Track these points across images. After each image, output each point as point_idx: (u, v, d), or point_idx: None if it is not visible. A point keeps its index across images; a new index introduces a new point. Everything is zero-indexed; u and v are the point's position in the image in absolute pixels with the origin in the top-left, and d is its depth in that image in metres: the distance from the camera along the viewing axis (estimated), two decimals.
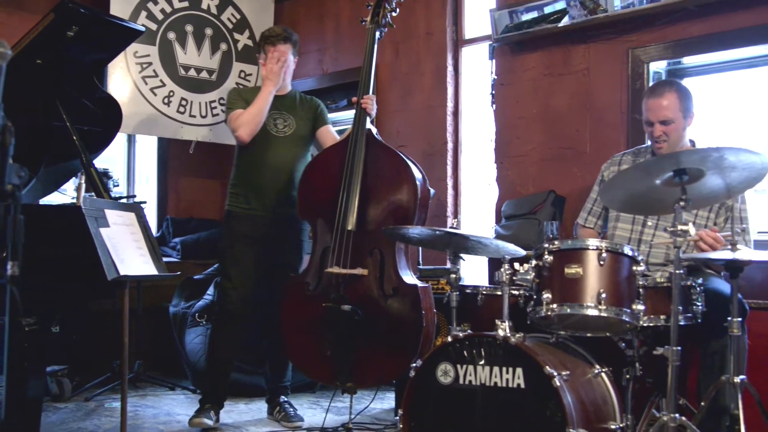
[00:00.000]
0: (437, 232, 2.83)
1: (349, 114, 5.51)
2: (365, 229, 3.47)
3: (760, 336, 3.18)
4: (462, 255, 2.99)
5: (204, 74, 5.38)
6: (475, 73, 4.84)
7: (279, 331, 3.66)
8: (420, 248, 4.22)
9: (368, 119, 3.62)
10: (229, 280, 3.79)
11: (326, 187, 3.57)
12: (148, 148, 5.95)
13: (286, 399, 3.96)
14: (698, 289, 2.66)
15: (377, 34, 3.76)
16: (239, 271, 3.78)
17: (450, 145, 4.81)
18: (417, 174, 3.49)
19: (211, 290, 4.90)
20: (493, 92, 4.55)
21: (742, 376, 2.51)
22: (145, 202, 4.50)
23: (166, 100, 5.17)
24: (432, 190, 4.15)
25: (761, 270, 3.20)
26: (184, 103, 5.25)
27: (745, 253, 2.51)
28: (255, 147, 3.78)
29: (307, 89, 5.60)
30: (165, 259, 3.41)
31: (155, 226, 5.76)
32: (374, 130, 3.65)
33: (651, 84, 3.88)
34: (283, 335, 3.63)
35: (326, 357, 3.39)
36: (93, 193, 3.58)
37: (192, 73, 5.30)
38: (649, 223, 3.17)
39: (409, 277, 3.45)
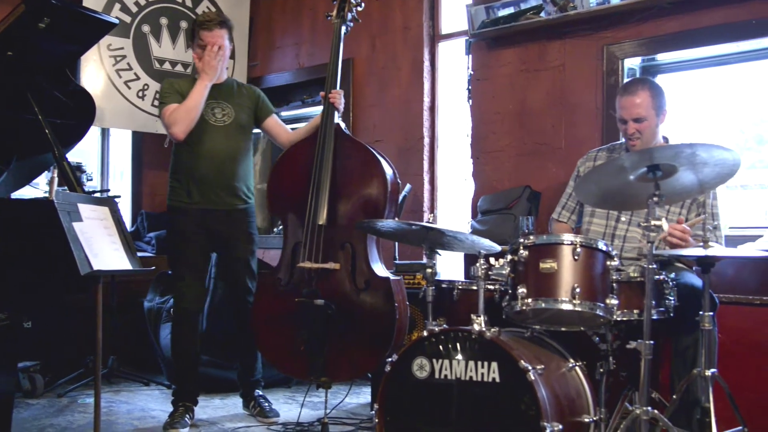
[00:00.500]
0: (413, 227, 2.83)
1: None
2: (336, 224, 3.49)
3: (730, 330, 3.22)
4: (438, 250, 2.99)
5: (179, 67, 5.33)
6: (452, 69, 4.86)
7: (248, 325, 3.67)
8: (396, 243, 4.23)
9: (336, 114, 3.62)
10: (182, 279, 3.71)
11: (296, 182, 3.57)
12: (122, 142, 5.90)
13: (260, 393, 3.95)
14: (671, 283, 2.69)
15: (343, 29, 3.76)
16: (191, 269, 3.71)
17: (426, 140, 4.81)
18: (386, 167, 3.51)
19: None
20: (470, 87, 4.56)
21: (713, 370, 2.54)
22: (119, 197, 4.47)
23: (140, 94, 5.12)
24: (408, 185, 4.17)
25: (732, 265, 3.24)
26: (158, 96, 5.19)
27: (716, 249, 2.54)
28: (193, 138, 3.65)
29: (283, 83, 5.60)
30: (139, 254, 3.38)
31: (129, 221, 5.72)
32: (342, 125, 3.66)
33: (625, 81, 3.92)
34: (256, 331, 3.63)
35: (300, 352, 3.40)
36: (66, 187, 3.55)
37: (167, 66, 5.25)
38: (623, 219, 3.20)
39: (382, 270, 3.47)
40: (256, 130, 3.99)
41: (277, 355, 3.60)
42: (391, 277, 3.44)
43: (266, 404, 3.87)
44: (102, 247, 2.93)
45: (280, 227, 3.90)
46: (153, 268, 3.88)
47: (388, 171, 3.52)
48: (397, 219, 3.88)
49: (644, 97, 3.07)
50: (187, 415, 3.66)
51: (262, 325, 3.61)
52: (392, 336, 3.31)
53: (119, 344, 4.73)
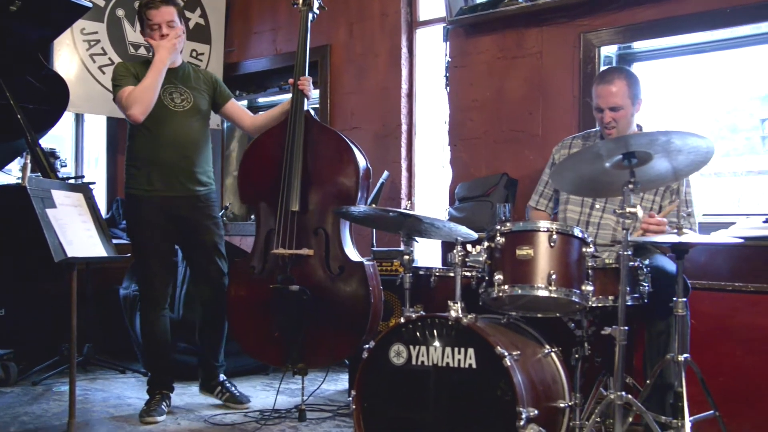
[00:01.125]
0: (391, 214, 2.83)
1: None
2: (309, 210, 3.50)
3: (703, 315, 3.27)
4: (415, 237, 3.00)
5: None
6: (430, 55, 4.85)
7: (213, 313, 3.69)
8: (373, 230, 4.23)
9: (306, 100, 3.61)
10: (148, 267, 3.68)
11: (266, 170, 3.57)
12: (97, 128, 5.83)
13: (225, 378, 3.90)
14: (645, 270, 2.72)
15: (309, 16, 3.75)
16: (157, 259, 3.68)
17: (404, 127, 4.81)
18: (357, 153, 3.53)
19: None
20: (447, 74, 4.56)
21: (685, 355, 2.57)
22: (93, 183, 4.42)
23: None
24: (386, 172, 4.17)
25: (705, 252, 3.28)
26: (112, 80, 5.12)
27: (690, 236, 2.57)
28: (152, 123, 3.57)
29: (260, 69, 5.56)
30: (115, 241, 3.35)
31: (105, 208, 5.66)
32: (312, 112, 3.66)
33: (601, 69, 3.94)
34: (231, 320, 3.62)
35: (275, 339, 3.40)
36: (39, 174, 3.49)
37: (142, 51, 5.18)
38: (597, 206, 3.23)
39: (355, 255, 3.49)
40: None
41: (252, 342, 3.59)
42: (365, 261, 3.46)
43: (235, 390, 3.85)
44: (76, 234, 2.90)
45: None
46: (128, 255, 3.85)
47: (359, 157, 3.53)
48: (374, 206, 3.89)
49: (620, 86, 3.09)
50: (164, 403, 3.65)
51: (237, 312, 3.60)
52: (367, 320, 3.34)
53: (95, 332, 4.69)
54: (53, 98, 3.69)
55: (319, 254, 3.46)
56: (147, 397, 3.69)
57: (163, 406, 3.62)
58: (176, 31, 3.59)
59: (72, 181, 4.62)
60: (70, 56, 4.89)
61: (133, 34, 5.14)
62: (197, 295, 3.93)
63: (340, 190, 3.50)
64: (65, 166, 4.89)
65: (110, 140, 5.79)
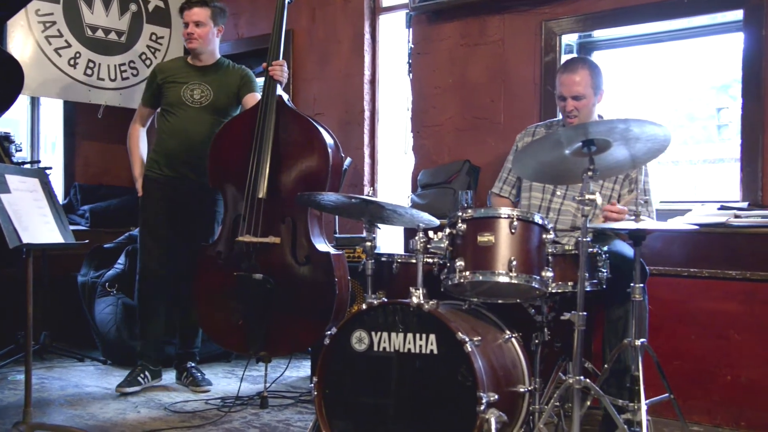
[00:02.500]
0: (353, 200, 2.82)
1: None
2: (277, 197, 3.46)
3: (660, 301, 3.33)
4: (378, 224, 3.00)
5: (113, 35, 5.16)
6: (393, 42, 4.84)
7: (189, 298, 3.68)
8: (336, 217, 4.22)
9: (278, 86, 3.58)
10: (146, 246, 3.85)
11: (236, 155, 3.53)
12: (53, 112, 5.70)
13: (193, 365, 3.96)
14: (604, 256, 2.76)
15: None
16: (155, 238, 3.83)
17: (367, 114, 4.80)
18: (329, 140, 3.49)
19: (122, 259, 4.78)
20: (410, 61, 4.56)
21: (642, 339, 2.62)
22: (50, 168, 4.34)
23: (72, 62, 4.94)
24: (348, 159, 4.15)
25: (662, 238, 3.34)
26: (91, 65, 5.03)
27: (647, 223, 2.61)
28: (169, 114, 3.86)
29: (222, 54, 5.46)
30: (73, 228, 3.30)
31: (62, 194, 5.56)
32: (285, 97, 3.62)
33: (563, 56, 3.98)
34: (196, 306, 3.60)
35: (239, 326, 3.38)
36: None
37: (100, 34, 5.07)
38: (558, 193, 3.26)
39: (322, 245, 3.46)
40: None
41: (216, 329, 3.57)
42: (332, 251, 3.43)
43: (198, 374, 3.90)
44: (32, 220, 2.84)
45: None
46: (86, 241, 3.78)
47: (331, 144, 3.50)
48: (337, 192, 3.88)
49: (584, 75, 3.13)
50: (143, 374, 3.76)
51: (202, 299, 3.58)
52: (332, 311, 3.32)
53: (52, 319, 4.61)
54: (7, 81, 3.61)
55: (285, 243, 3.43)
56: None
57: (140, 378, 3.74)
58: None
59: (27, 166, 4.52)
60: (24, 38, 4.76)
61: (90, 15, 5.03)
62: (179, 281, 3.90)
63: (310, 178, 3.46)
64: (20, 150, 4.75)
65: (67, 124, 5.66)
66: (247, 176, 3.46)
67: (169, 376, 4.10)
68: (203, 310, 3.58)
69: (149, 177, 3.88)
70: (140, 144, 3.98)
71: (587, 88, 3.13)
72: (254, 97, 3.89)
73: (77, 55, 4.96)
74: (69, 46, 4.92)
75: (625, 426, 2.41)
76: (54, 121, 5.72)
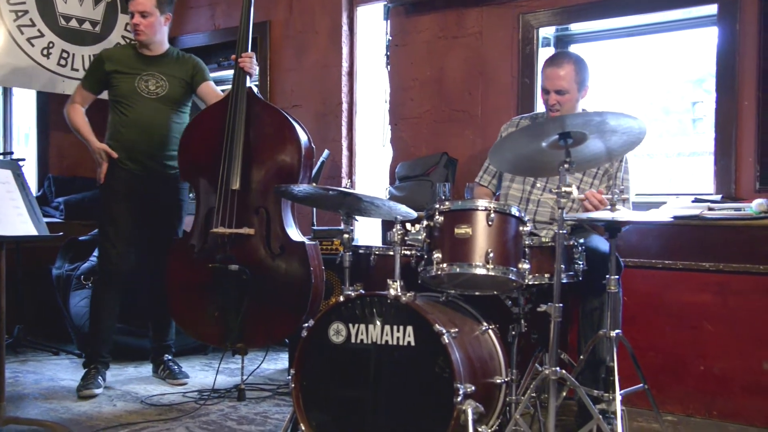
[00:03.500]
0: (330, 192, 2.82)
1: None
2: (250, 189, 3.47)
3: (634, 293, 3.37)
4: (355, 216, 3.00)
5: (87, 25, 5.10)
6: (370, 34, 4.82)
7: (162, 291, 3.63)
8: (314, 209, 4.21)
9: (248, 78, 3.57)
10: (107, 239, 3.76)
11: (208, 147, 3.52)
12: (26, 103, 5.62)
13: (170, 357, 3.95)
14: (580, 248, 2.78)
15: None
16: (116, 229, 3.73)
17: (345, 106, 4.79)
18: (300, 132, 3.49)
19: (97, 252, 4.73)
20: (388, 53, 4.55)
21: (617, 331, 2.64)
22: (23, 160, 4.29)
23: (45, 52, 4.87)
24: (326, 151, 4.15)
25: (637, 231, 3.37)
26: (65, 55, 4.97)
27: (623, 213, 2.63)
28: (124, 106, 3.77)
29: (198, 45, 5.44)
30: (46, 220, 3.26)
31: (35, 186, 5.49)
32: (255, 89, 3.61)
33: (540, 49, 4.00)
34: (170, 299, 3.57)
35: (215, 319, 3.38)
36: None
37: (73, 23, 5.01)
38: (538, 185, 3.28)
39: (297, 235, 3.47)
40: None
41: (191, 322, 3.55)
42: (307, 241, 3.43)
43: (175, 367, 3.90)
44: (4, 212, 2.81)
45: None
46: (61, 233, 3.75)
47: (302, 136, 3.49)
48: (314, 184, 3.87)
49: (568, 70, 3.12)
50: (100, 377, 3.66)
51: (176, 292, 3.56)
52: (308, 301, 3.32)
53: (26, 313, 4.57)
54: None
55: (260, 233, 3.43)
56: (79, 378, 3.65)
57: (99, 380, 3.63)
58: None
59: (0, 157, 4.46)
60: None
61: (63, 5, 4.97)
62: (148, 273, 3.88)
63: (282, 169, 3.47)
64: None
65: (40, 115, 5.59)
66: (220, 169, 3.45)
67: (146, 369, 4.08)
68: (178, 304, 3.56)
69: (110, 172, 3.74)
70: (84, 117, 3.82)
71: (571, 83, 3.13)
72: (209, 86, 3.89)
73: (50, 44, 4.90)
74: (42, 35, 4.86)
75: (600, 416, 2.44)
76: (27, 112, 5.64)
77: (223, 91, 3.93)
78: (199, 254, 3.49)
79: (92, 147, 3.75)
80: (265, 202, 3.45)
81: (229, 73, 5.18)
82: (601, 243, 3.00)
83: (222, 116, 3.50)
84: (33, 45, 4.82)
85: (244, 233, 3.39)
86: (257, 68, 3.69)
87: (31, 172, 5.49)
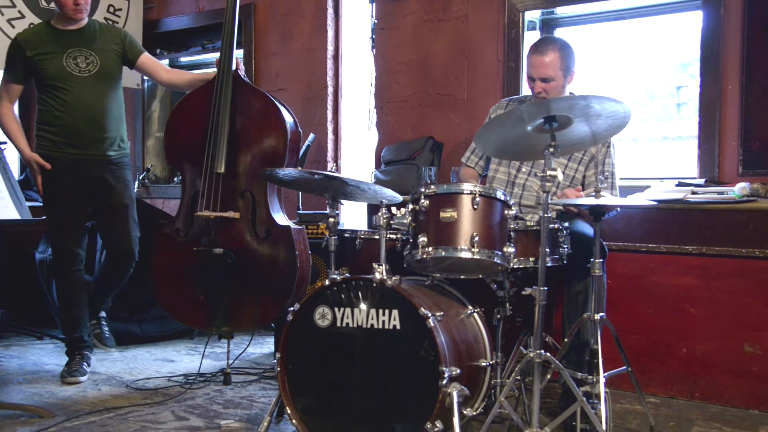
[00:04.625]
0: (316, 176, 2.81)
1: None
2: (235, 172, 3.45)
3: (619, 276, 3.40)
4: (341, 200, 2.99)
5: None
6: (356, 17, 4.80)
7: (117, 273, 3.73)
8: (299, 193, 4.20)
9: (233, 60, 3.54)
10: (59, 227, 3.65)
11: (193, 131, 3.50)
12: None
13: (104, 315, 3.93)
14: (565, 232, 2.79)
15: None
16: (67, 218, 3.63)
17: (330, 89, 4.77)
18: (286, 115, 3.47)
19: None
20: (374, 37, 4.53)
21: (601, 314, 2.66)
22: (5, 143, 4.23)
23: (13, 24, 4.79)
24: (312, 135, 4.13)
25: (621, 215, 3.39)
26: None
27: (607, 198, 2.64)
28: (57, 89, 3.54)
29: (182, 27, 5.39)
30: (29, 204, 3.24)
31: (18, 169, 5.43)
32: (241, 72, 3.58)
33: (526, 33, 3.99)
34: (155, 284, 3.55)
35: (200, 302, 3.37)
36: None
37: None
38: (524, 169, 3.28)
39: (283, 219, 3.46)
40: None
41: (177, 306, 3.54)
42: (292, 225, 3.43)
43: (105, 331, 3.89)
44: None
45: (180, 177, 3.81)
46: (44, 217, 3.72)
47: (289, 119, 3.47)
48: (300, 168, 3.85)
49: (553, 57, 3.09)
50: (85, 363, 3.63)
51: (161, 276, 3.54)
52: (293, 285, 3.32)
53: (9, 297, 4.54)
54: None
55: (245, 217, 3.41)
56: (64, 363, 3.63)
57: (84, 366, 3.60)
58: None
59: None
60: None
61: None
62: (107, 257, 3.86)
63: (268, 153, 3.45)
64: None
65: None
66: (205, 152, 3.43)
67: (131, 354, 4.08)
68: (163, 288, 3.54)
69: (46, 156, 3.56)
70: (16, 120, 3.66)
71: (556, 71, 3.10)
72: (148, 56, 3.78)
73: (31, 26, 4.82)
74: (23, 17, 4.79)
75: (584, 398, 2.46)
76: None
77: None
78: (185, 238, 3.47)
79: (24, 156, 3.59)
80: (251, 186, 3.43)
81: (214, 55, 5.16)
82: (586, 228, 3.01)
83: (208, 99, 3.47)
84: (13, 26, 4.75)
85: (229, 217, 3.38)
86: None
87: (13, 155, 5.43)
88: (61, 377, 3.56)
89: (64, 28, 3.58)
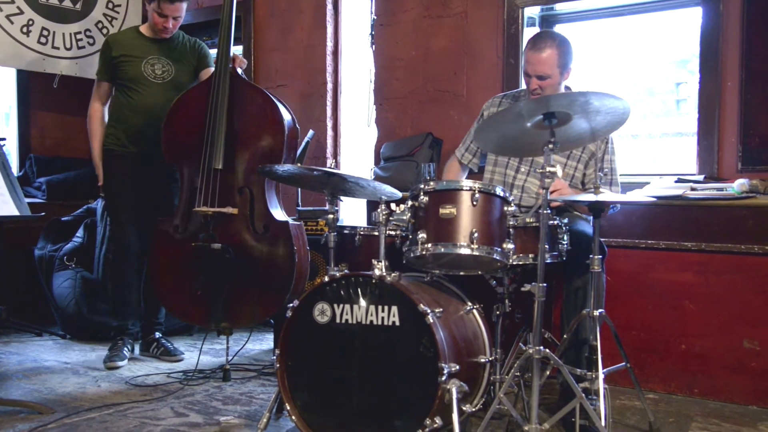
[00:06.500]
0: (315, 173, 2.81)
1: None
2: (233, 168, 3.46)
3: (618, 272, 3.40)
4: (340, 196, 2.99)
5: (67, 3, 5.01)
6: (356, 13, 4.79)
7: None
8: (299, 189, 4.20)
9: (231, 57, 3.56)
10: (118, 219, 3.84)
11: (191, 128, 3.52)
12: (6, 81, 5.55)
13: (161, 335, 3.96)
14: (564, 228, 2.79)
15: None
16: (128, 215, 3.81)
17: (330, 86, 4.76)
18: (284, 112, 3.49)
19: (80, 232, 4.71)
20: (373, 33, 4.52)
21: (600, 310, 2.66)
22: (4, 139, 4.22)
23: (24, 30, 4.80)
24: (311, 131, 4.13)
25: (621, 211, 3.38)
26: (45, 33, 4.89)
27: (606, 195, 2.64)
28: (131, 90, 3.81)
29: (182, 24, 5.36)
30: (28, 200, 3.24)
31: (17, 165, 5.43)
32: (241, 68, 3.60)
33: (525, 29, 3.98)
34: (154, 280, 3.57)
35: (199, 299, 3.38)
36: None
37: (54, 1, 4.93)
38: (522, 169, 3.27)
39: (281, 215, 3.48)
40: None
41: (176, 302, 3.55)
42: (291, 221, 3.44)
43: (170, 345, 3.94)
44: None
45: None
46: (43, 214, 3.73)
47: (286, 116, 3.49)
48: (299, 164, 3.85)
49: (551, 55, 3.06)
50: (125, 348, 3.78)
51: (161, 272, 3.56)
52: (292, 280, 3.34)
53: (9, 294, 4.53)
54: None
55: (243, 213, 3.42)
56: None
57: (125, 351, 3.77)
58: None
59: None
60: None
61: None
62: (143, 254, 3.86)
63: (265, 149, 3.46)
64: None
65: (21, 95, 5.52)
66: (203, 149, 3.44)
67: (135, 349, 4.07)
68: (162, 284, 3.56)
69: (113, 152, 3.83)
70: (102, 125, 3.90)
71: (553, 68, 3.08)
72: (209, 72, 3.86)
73: (30, 22, 4.82)
74: (21, 12, 4.78)
75: (583, 394, 2.46)
76: (7, 91, 5.57)
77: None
78: (183, 234, 3.49)
79: (94, 161, 3.89)
80: (249, 182, 3.44)
81: (213, 51, 5.15)
82: (586, 227, 3.01)
83: (205, 96, 3.49)
84: (12, 22, 4.74)
85: (227, 212, 3.39)
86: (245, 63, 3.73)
87: (12, 151, 5.44)
88: (103, 362, 3.74)
89: (149, 36, 3.88)
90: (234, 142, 3.46)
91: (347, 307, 2.53)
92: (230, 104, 3.46)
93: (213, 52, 3.87)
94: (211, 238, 3.36)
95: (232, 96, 3.47)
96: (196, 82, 3.89)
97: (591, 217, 2.70)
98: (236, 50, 5.13)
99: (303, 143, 4.00)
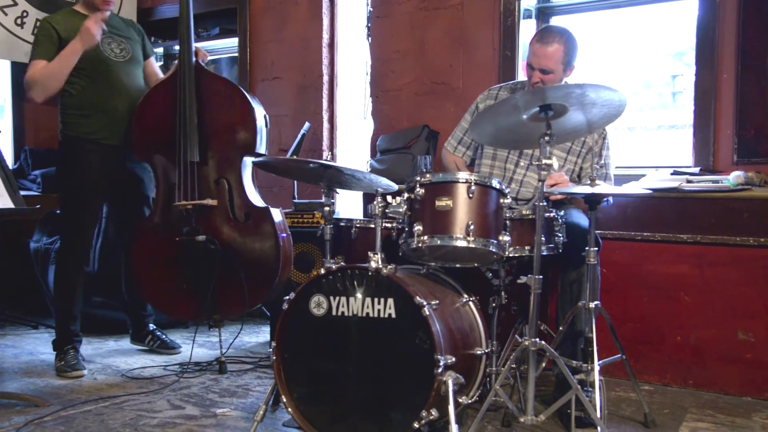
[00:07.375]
0: (311, 165, 2.80)
1: (223, 43, 5.33)
2: (208, 160, 3.49)
3: (613, 264, 3.40)
4: (336, 189, 2.99)
5: None
6: (351, 5, 4.78)
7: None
8: (295, 182, 4.19)
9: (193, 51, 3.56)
10: (76, 216, 3.58)
11: (161, 124, 3.51)
12: (0, 74, 5.52)
13: (154, 327, 3.95)
14: (560, 221, 2.79)
15: None
16: (88, 210, 3.60)
17: (326, 78, 4.75)
18: (250, 99, 3.52)
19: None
20: (369, 25, 4.51)
21: (596, 302, 2.67)
22: None
23: (18, 21, 4.77)
24: (307, 124, 4.13)
25: (616, 203, 3.39)
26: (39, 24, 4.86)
27: (602, 187, 2.65)
28: (95, 73, 3.51)
29: (174, 16, 5.33)
30: (23, 193, 3.23)
31: (12, 158, 5.42)
32: (202, 62, 3.61)
33: (521, 21, 3.98)
34: (140, 280, 3.55)
35: (186, 293, 3.38)
36: None
37: None
38: (522, 163, 3.27)
39: (259, 201, 3.52)
40: None
41: (162, 299, 3.56)
42: (270, 207, 3.48)
43: (165, 337, 3.91)
44: None
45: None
46: (38, 207, 3.70)
47: (253, 103, 3.53)
48: (295, 157, 3.85)
49: (557, 50, 3.05)
50: (80, 356, 3.62)
51: (145, 271, 3.55)
52: (279, 264, 3.38)
53: (4, 287, 4.53)
54: None
55: (222, 204, 3.46)
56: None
57: (80, 359, 3.60)
58: (100, 24, 3.42)
59: None
60: None
61: None
62: (122, 248, 3.83)
63: (237, 138, 3.50)
64: None
65: (15, 86, 5.50)
66: (175, 144, 3.44)
67: (126, 343, 4.07)
68: (147, 283, 3.55)
69: (79, 137, 3.52)
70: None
71: (558, 64, 3.07)
72: (152, 62, 3.83)
73: (24, 14, 4.80)
74: (15, 4, 4.76)
75: (579, 386, 2.47)
76: (2, 83, 5.55)
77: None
78: (164, 230, 3.48)
79: (81, 37, 3.38)
80: (225, 173, 3.49)
81: (208, 44, 5.15)
82: (581, 218, 3.01)
83: (172, 92, 3.50)
84: (6, 14, 4.72)
85: (207, 204, 3.41)
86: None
87: (6, 144, 5.42)
88: (61, 372, 3.47)
89: (89, 14, 3.51)
90: (206, 134, 3.49)
91: (343, 299, 2.53)
92: (198, 96, 3.47)
93: (212, 44, 3.85)
94: (194, 231, 3.38)
95: (198, 88, 3.49)
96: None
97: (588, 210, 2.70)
98: (231, 42, 5.15)
99: (299, 135, 4.00)
